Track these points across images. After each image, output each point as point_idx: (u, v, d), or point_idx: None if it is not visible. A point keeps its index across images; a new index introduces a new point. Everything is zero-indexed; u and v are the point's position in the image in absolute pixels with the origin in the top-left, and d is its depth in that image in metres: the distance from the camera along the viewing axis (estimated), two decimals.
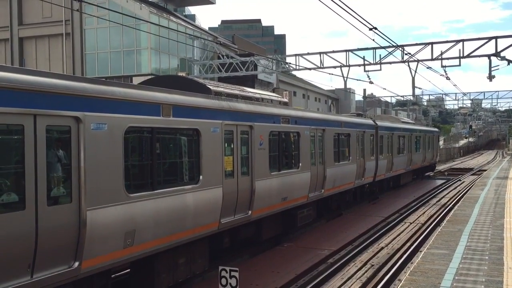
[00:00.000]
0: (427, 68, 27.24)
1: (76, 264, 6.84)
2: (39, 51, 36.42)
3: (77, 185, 6.87)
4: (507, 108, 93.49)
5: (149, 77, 23.51)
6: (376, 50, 27.27)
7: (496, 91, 53.92)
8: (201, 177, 9.61)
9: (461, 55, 25.71)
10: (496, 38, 24.67)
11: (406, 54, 26.47)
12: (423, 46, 26.39)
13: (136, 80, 30.15)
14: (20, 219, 6.10)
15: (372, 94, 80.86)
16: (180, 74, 30.77)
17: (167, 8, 43.53)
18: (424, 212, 20.53)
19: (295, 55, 29.42)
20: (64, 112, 6.74)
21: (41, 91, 6.45)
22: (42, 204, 6.35)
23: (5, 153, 6.27)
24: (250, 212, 11.40)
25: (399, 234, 16.07)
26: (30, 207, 6.22)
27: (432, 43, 26.31)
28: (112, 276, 8.88)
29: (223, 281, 9.33)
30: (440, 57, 26.28)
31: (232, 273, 9.25)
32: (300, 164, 14.11)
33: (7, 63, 35.11)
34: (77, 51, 35.20)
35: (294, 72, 43.48)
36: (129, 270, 10.11)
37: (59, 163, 6.78)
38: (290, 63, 30.52)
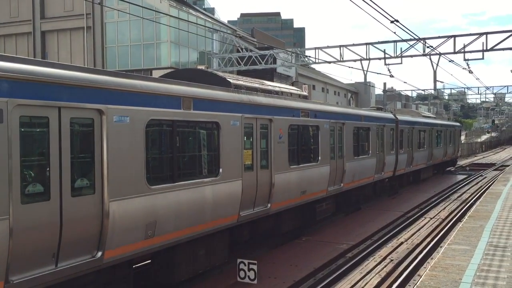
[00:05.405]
0: (449, 61, 26.82)
1: (99, 254, 6.98)
2: (61, 44, 36.89)
3: (100, 176, 6.99)
4: None
5: (169, 70, 23.65)
6: (397, 43, 26.96)
7: None
8: (220, 170, 9.67)
9: (485, 48, 25.24)
10: None
11: (427, 47, 26.08)
12: (445, 39, 25.97)
13: (155, 74, 30.35)
14: (45, 209, 6.24)
15: (392, 87, 79.99)
16: (200, 67, 30.85)
17: (187, 1, 43.63)
18: (445, 208, 20.30)
19: (315, 48, 29.24)
20: (88, 104, 6.85)
21: (65, 84, 6.55)
22: (66, 195, 6.48)
23: (30, 145, 6.39)
24: (269, 205, 11.44)
25: (419, 229, 15.93)
26: (55, 198, 6.35)
27: (454, 36, 25.87)
28: (133, 266, 9.01)
29: (242, 273, 9.43)
30: (462, 50, 25.83)
31: (251, 266, 9.34)
32: (319, 158, 14.08)
33: (30, 56, 35.67)
34: (98, 45, 35.57)
35: (313, 66, 43.24)
36: (150, 261, 10.28)
37: (83, 155, 6.90)
38: (309, 57, 30.36)
